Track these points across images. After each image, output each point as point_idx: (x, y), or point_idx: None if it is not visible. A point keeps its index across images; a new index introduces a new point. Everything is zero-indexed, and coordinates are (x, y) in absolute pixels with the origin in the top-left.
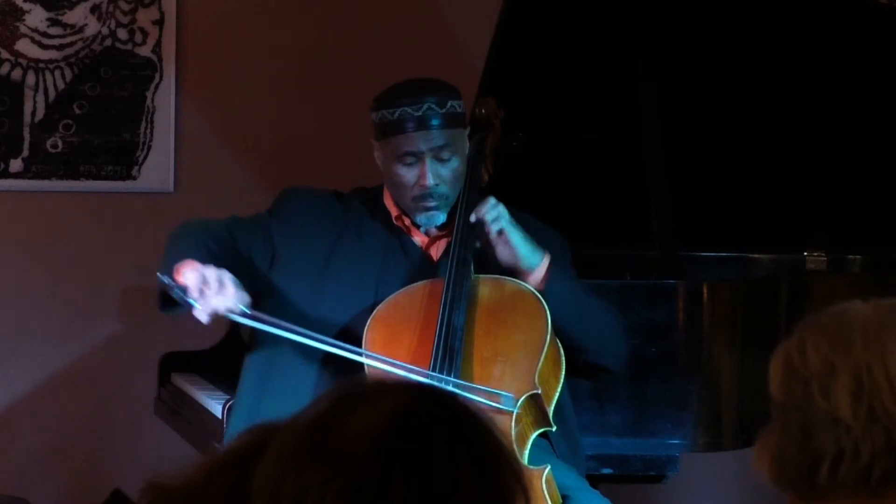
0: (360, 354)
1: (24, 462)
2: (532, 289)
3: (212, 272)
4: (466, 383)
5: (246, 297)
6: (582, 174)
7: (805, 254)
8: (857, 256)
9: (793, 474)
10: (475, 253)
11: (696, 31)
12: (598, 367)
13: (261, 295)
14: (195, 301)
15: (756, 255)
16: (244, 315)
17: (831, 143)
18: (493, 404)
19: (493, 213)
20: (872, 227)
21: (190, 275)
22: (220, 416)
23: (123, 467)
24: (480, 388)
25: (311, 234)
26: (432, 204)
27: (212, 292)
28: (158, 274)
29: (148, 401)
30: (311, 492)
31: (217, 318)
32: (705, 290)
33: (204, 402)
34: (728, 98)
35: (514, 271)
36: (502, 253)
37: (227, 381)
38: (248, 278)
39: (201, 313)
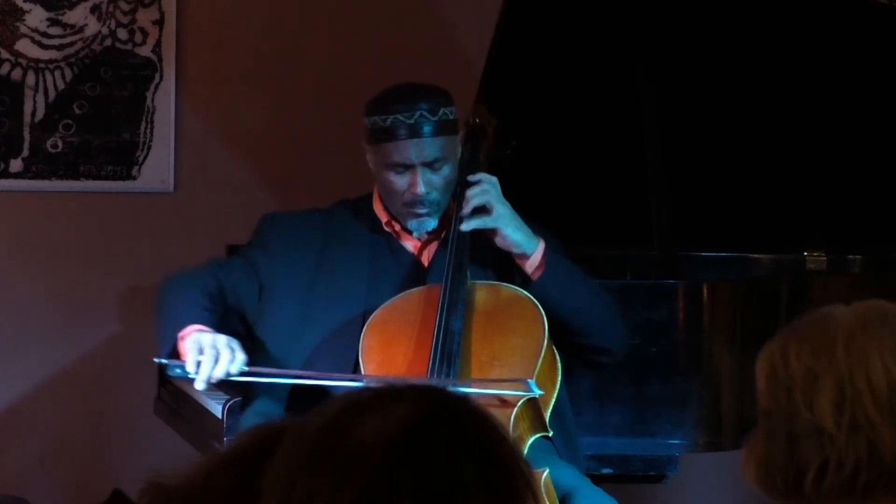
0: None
1: (24, 462)
2: (529, 294)
3: (207, 340)
4: (481, 380)
5: (242, 357)
6: (582, 174)
7: (805, 254)
8: (857, 256)
9: (779, 482)
10: (472, 248)
11: (695, 31)
12: (600, 350)
13: (254, 325)
14: (192, 374)
15: (756, 255)
16: (242, 375)
17: (831, 143)
18: (518, 392)
19: (480, 199)
20: (872, 227)
21: (188, 347)
22: (219, 416)
23: (123, 467)
24: (502, 381)
25: (295, 253)
26: (423, 211)
27: (208, 363)
28: (155, 359)
29: (148, 401)
30: (321, 497)
31: (216, 383)
32: (705, 290)
33: (204, 402)
34: (728, 98)
35: (511, 257)
36: (497, 240)
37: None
38: (240, 317)
39: (198, 384)
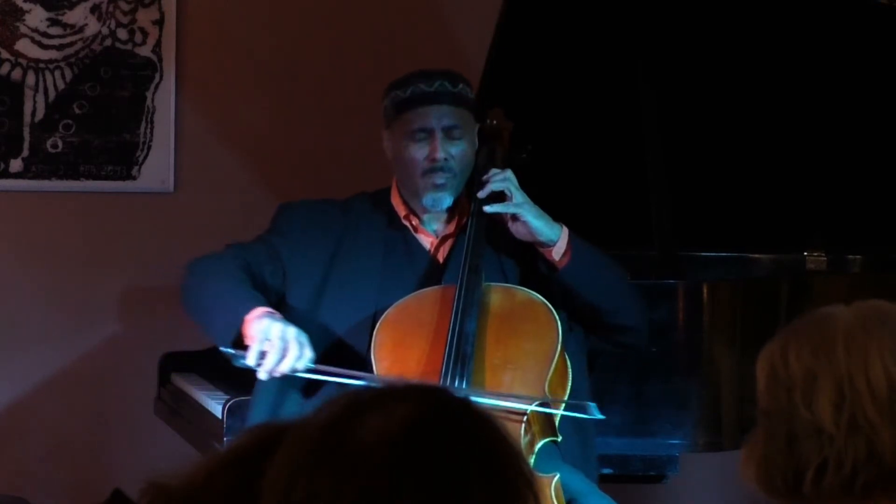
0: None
1: (24, 462)
2: (543, 299)
3: (276, 332)
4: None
5: (310, 354)
6: (582, 174)
7: (805, 254)
8: (857, 256)
9: (779, 482)
10: (492, 241)
11: (696, 31)
12: (628, 328)
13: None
14: (257, 367)
15: (756, 255)
16: (307, 371)
17: (831, 143)
18: (580, 415)
19: (500, 178)
20: (872, 227)
21: (253, 334)
22: (219, 416)
23: (123, 467)
24: (564, 402)
25: (311, 242)
26: (440, 181)
27: (274, 356)
28: (221, 348)
29: (148, 401)
30: (322, 496)
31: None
32: (705, 290)
33: (204, 402)
34: (728, 98)
35: (535, 247)
36: (518, 230)
37: (227, 381)
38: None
39: (262, 374)
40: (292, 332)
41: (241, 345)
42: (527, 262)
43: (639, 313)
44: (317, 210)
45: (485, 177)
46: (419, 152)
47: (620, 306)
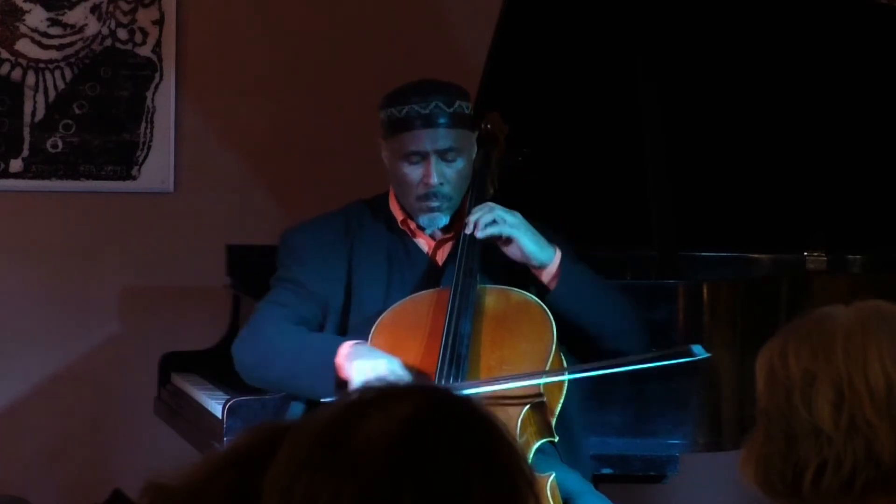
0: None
1: (24, 462)
2: (537, 300)
3: (371, 372)
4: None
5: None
6: (582, 174)
7: (805, 254)
8: (857, 256)
9: (778, 482)
10: (482, 261)
11: (696, 30)
12: (623, 353)
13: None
14: None
15: (756, 255)
16: None
17: (831, 143)
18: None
19: (487, 218)
20: (872, 227)
21: (353, 376)
22: (219, 416)
23: (123, 467)
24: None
25: (327, 262)
26: (435, 204)
27: None
28: (323, 399)
29: (148, 401)
30: (322, 496)
31: None
32: (705, 290)
33: (204, 402)
34: (728, 97)
35: (526, 267)
36: (512, 251)
37: (227, 381)
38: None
39: None
40: (383, 364)
41: (342, 386)
42: (522, 273)
43: (632, 340)
44: (320, 229)
45: (468, 218)
46: (413, 174)
47: (610, 334)
